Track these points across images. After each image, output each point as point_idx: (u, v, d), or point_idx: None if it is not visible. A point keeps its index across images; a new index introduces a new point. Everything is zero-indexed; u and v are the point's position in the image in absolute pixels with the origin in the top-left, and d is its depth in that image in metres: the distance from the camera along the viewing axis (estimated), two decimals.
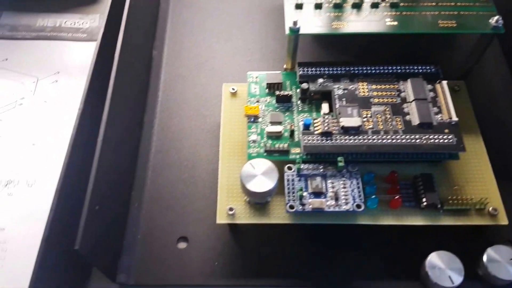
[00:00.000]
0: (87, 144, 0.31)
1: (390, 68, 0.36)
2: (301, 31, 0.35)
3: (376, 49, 0.42)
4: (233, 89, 0.39)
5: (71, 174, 0.30)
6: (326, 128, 0.33)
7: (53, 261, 0.30)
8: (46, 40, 0.49)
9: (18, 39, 0.49)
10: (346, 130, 0.33)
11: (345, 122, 0.33)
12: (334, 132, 0.33)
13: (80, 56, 0.47)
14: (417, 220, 0.32)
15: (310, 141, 0.33)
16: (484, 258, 0.31)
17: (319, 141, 0.33)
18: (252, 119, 0.36)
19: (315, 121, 0.34)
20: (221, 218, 0.33)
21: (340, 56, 0.43)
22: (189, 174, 0.38)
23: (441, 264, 0.31)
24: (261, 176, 0.31)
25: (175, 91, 0.43)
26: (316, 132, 0.33)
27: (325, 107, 0.35)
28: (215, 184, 0.35)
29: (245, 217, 0.33)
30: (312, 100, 0.36)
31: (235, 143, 0.36)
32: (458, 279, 0.30)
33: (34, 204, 0.37)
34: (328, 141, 0.33)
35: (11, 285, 0.34)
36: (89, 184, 0.29)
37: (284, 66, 0.39)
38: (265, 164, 0.31)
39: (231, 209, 0.33)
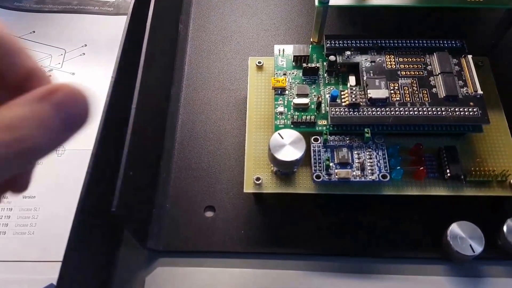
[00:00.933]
0: (119, 112, 0.32)
1: (416, 41, 0.37)
2: (331, 3, 0.36)
3: (402, 23, 0.42)
4: (259, 62, 0.39)
5: (105, 141, 0.31)
6: (353, 99, 0.34)
7: (87, 227, 0.31)
8: (73, 13, 0.50)
9: (45, 11, 0.50)
10: (373, 102, 0.34)
11: (373, 93, 0.34)
12: (361, 104, 0.34)
13: (107, 30, 0.48)
14: (440, 191, 0.33)
15: (337, 113, 0.34)
16: (504, 228, 0.32)
17: (346, 113, 0.34)
18: (279, 92, 0.36)
19: (343, 93, 0.35)
20: (248, 188, 0.34)
21: (366, 29, 0.43)
22: (215, 146, 0.39)
23: (462, 233, 0.32)
24: (289, 146, 0.32)
25: (201, 65, 0.43)
26: (343, 104, 0.34)
27: (352, 79, 0.36)
28: (240, 156, 0.37)
29: (271, 186, 0.34)
30: (339, 72, 0.37)
31: (262, 115, 0.37)
32: (478, 248, 0.31)
33: (63, 173, 0.38)
34: (355, 113, 0.34)
35: (42, 250, 0.35)
36: (125, 149, 0.30)
37: (311, 39, 0.40)
38: (293, 134, 0.32)
39: (258, 178, 0.34)
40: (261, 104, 0.37)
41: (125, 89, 0.34)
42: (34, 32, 0.48)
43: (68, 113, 0.18)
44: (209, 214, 0.36)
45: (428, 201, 0.33)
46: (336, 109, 0.34)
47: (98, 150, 0.30)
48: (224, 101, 0.41)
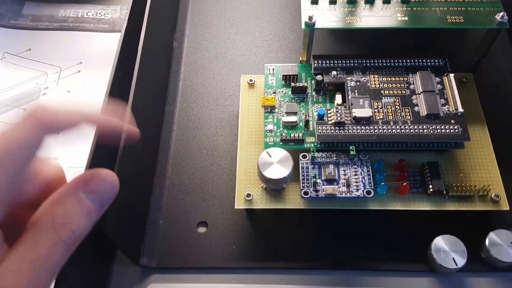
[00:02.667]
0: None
1: (400, 60, 0.38)
2: (316, 26, 0.37)
3: (387, 43, 0.44)
4: (250, 80, 0.41)
5: (96, 163, 0.32)
6: (339, 118, 0.35)
7: (80, 244, 0.31)
8: (68, 31, 0.51)
9: (41, 29, 0.51)
10: (357, 121, 0.35)
11: (357, 112, 0.35)
12: (346, 122, 0.35)
13: (102, 47, 0.49)
14: (424, 206, 0.34)
15: (324, 131, 0.35)
16: (487, 241, 0.33)
17: (332, 131, 0.35)
18: (269, 110, 0.38)
19: (329, 111, 0.36)
20: (239, 204, 0.35)
21: (353, 49, 0.45)
22: (208, 162, 0.40)
23: (445, 247, 0.33)
24: (277, 164, 0.33)
25: (195, 81, 0.45)
26: (329, 122, 0.35)
27: (338, 98, 0.37)
28: (233, 171, 0.38)
29: (262, 202, 0.35)
30: (326, 91, 0.38)
31: (253, 133, 0.38)
32: (461, 261, 0.32)
33: None
34: (341, 131, 0.35)
35: None
36: (114, 170, 0.31)
37: (300, 58, 0.41)
38: (281, 153, 0.33)
39: (248, 195, 0.35)
40: (252, 121, 0.39)
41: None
42: (30, 49, 0.50)
43: (104, 196, 0.21)
44: (201, 229, 0.37)
45: (413, 215, 0.35)
46: (323, 127, 0.35)
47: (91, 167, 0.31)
48: (217, 117, 0.43)
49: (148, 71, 0.38)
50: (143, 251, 0.36)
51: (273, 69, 0.40)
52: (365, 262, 0.35)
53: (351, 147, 0.34)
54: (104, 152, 0.32)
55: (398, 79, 0.37)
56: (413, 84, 0.37)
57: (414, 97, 0.36)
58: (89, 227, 0.20)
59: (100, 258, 0.35)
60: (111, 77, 0.34)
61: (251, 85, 0.40)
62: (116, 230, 0.30)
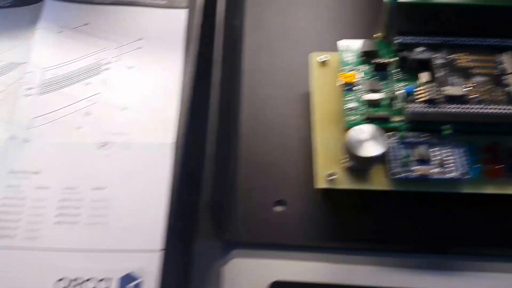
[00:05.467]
0: (198, 107, 0.32)
1: (489, 40, 0.36)
2: None
3: (475, 20, 0.42)
4: (322, 58, 0.39)
5: (190, 133, 0.31)
6: (429, 96, 0.34)
7: (174, 218, 0.32)
8: (125, 6, 0.50)
9: (96, 3, 0.50)
10: (449, 99, 0.34)
11: (449, 91, 0.34)
12: (437, 100, 0.34)
13: (162, 23, 0.48)
14: None
15: (413, 109, 0.34)
16: None
17: (422, 109, 0.34)
18: (348, 87, 0.36)
19: (418, 89, 0.34)
20: (321, 183, 0.34)
21: (437, 25, 0.43)
22: (279, 142, 0.39)
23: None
24: (371, 141, 0.32)
25: (259, 61, 0.43)
26: (419, 100, 0.34)
27: (423, 76, 0.36)
28: (307, 151, 0.37)
29: (345, 183, 0.34)
30: (410, 68, 0.36)
31: (329, 112, 0.37)
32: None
33: (131, 164, 0.38)
34: (431, 109, 0.33)
35: (116, 240, 0.35)
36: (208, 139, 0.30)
37: (379, 34, 0.40)
38: (373, 129, 0.32)
39: (330, 174, 0.34)
40: (327, 101, 0.37)
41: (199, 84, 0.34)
42: (87, 24, 0.48)
43: None
44: (279, 208, 0.36)
45: (507, 199, 0.33)
46: (412, 106, 0.34)
47: (182, 142, 0.31)
48: (284, 97, 0.41)
49: (219, 50, 0.36)
50: (226, 226, 0.35)
51: (349, 45, 0.38)
52: (457, 246, 0.34)
53: (445, 127, 0.33)
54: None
55: (486, 58, 0.36)
56: (504, 63, 0.35)
57: (505, 77, 0.35)
58: None
59: (185, 231, 0.35)
60: (192, 56, 0.33)
61: (323, 63, 0.39)
62: (213, 201, 0.31)
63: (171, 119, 0.40)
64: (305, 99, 0.39)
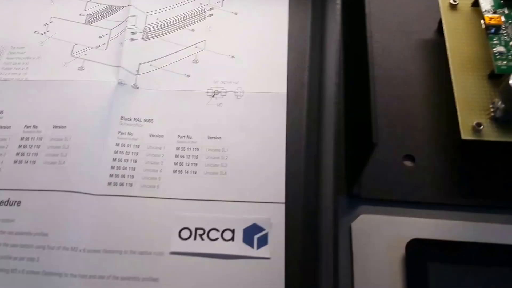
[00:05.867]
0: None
1: None
2: None
3: None
4: (454, 1, 0.36)
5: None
6: None
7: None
8: None
9: None
10: None
11: None
12: None
13: None
14: None
15: None
16: None
17: None
18: (494, 31, 0.33)
19: None
20: (467, 134, 0.31)
21: None
22: (403, 91, 0.36)
23: None
24: None
25: (381, 6, 0.40)
26: None
27: None
28: (437, 102, 0.35)
29: (494, 134, 0.31)
30: None
31: (468, 58, 0.34)
32: None
33: (245, 114, 0.36)
34: None
35: (236, 190, 0.33)
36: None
37: None
38: None
39: (478, 124, 0.31)
40: (464, 46, 0.34)
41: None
42: None
43: None
44: (408, 163, 0.33)
45: None
46: None
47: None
48: (406, 44, 0.38)
49: None
50: (353, 182, 0.33)
51: None
52: None
53: None
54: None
55: None
56: None
57: None
58: None
59: (313, 185, 0.33)
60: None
61: (454, 6, 0.36)
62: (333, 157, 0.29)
63: (282, 69, 0.38)
64: (431, 45, 0.36)
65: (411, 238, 0.30)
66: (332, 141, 0.34)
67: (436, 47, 0.37)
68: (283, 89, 0.36)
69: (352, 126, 0.34)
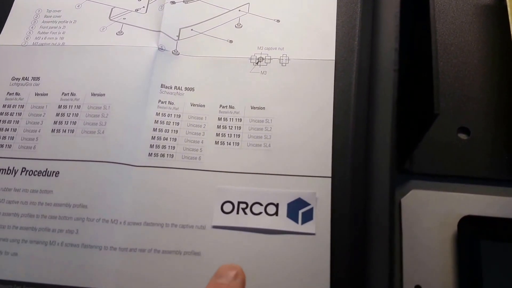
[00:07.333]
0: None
1: None
2: None
3: None
4: None
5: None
6: None
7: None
8: None
9: None
10: None
11: None
12: None
13: None
14: None
15: None
16: None
17: None
18: None
19: None
20: None
21: None
22: (458, 59, 0.34)
23: None
24: None
25: None
26: None
27: None
28: (494, 70, 0.32)
29: None
30: None
31: None
32: None
33: (290, 82, 0.34)
34: None
35: (281, 164, 0.31)
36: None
37: None
38: None
39: None
40: None
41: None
42: None
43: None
44: (462, 136, 0.31)
45: None
46: None
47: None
48: (464, 8, 0.36)
49: None
50: (405, 156, 0.32)
51: None
52: None
53: None
54: None
55: None
56: None
57: None
58: None
59: (364, 160, 0.31)
60: None
61: None
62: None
63: (331, 34, 0.36)
64: (489, 12, 0.34)
65: (463, 215, 0.29)
66: (389, 112, 0.32)
67: (497, 12, 0.34)
68: (331, 56, 0.35)
69: (404, 97, 0.32)
